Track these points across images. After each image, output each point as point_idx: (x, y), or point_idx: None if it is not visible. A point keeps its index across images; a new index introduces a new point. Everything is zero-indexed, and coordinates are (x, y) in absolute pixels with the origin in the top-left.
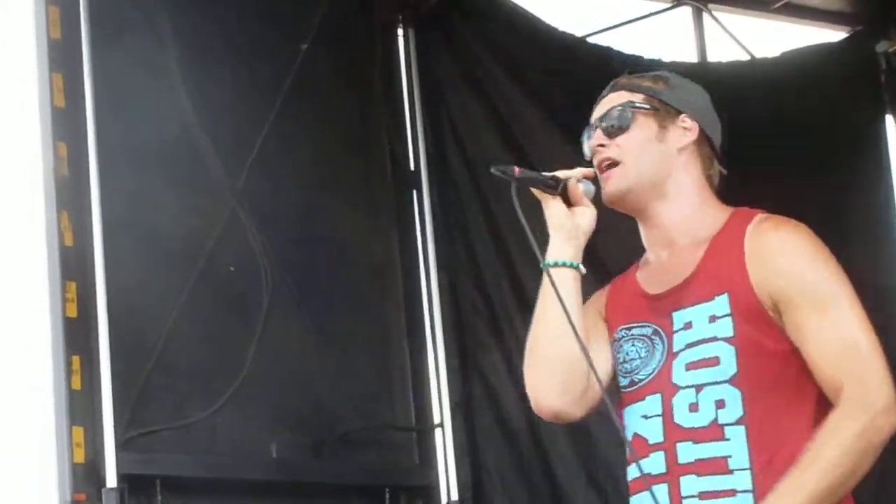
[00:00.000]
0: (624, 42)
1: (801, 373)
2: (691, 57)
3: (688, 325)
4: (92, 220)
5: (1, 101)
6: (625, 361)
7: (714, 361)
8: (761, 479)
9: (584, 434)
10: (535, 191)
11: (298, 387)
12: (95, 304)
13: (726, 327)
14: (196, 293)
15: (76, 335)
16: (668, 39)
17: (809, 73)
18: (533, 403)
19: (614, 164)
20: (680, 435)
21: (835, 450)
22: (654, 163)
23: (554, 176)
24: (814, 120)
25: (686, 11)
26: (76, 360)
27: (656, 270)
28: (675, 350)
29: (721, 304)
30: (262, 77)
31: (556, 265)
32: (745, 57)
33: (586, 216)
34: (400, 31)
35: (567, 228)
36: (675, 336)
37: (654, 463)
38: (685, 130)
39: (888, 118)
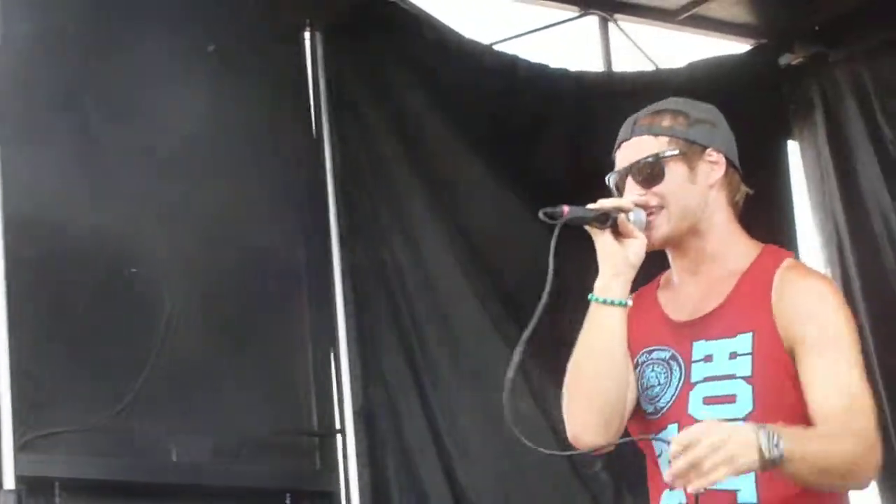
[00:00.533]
0: (530, 50)
1: None
2: (597, 66)
3: (708, 358)
4: None
5: None
6: (648, 388)
7: (731, 399)
8: None
9: (493, 441)
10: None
11: (201, 390)
12: None
13: (745, 366)
14: (100, 293)
15: None
16: (575, 48)
17: (714, 83)
18: (570, 436)
19: (656, 209)
20: None
21: (842, 444)
22: (691, 204)
23: (604, 212)
24: None
25: (592, 21)
26: None
27: (681, 295)
28: (693, 381)
29: (744, 342)
30: (170, 77)
31: (603, 303)
32: (651, 67)
33: (635, 248)
34: (307, 34)
35: (616, 263)
36: (694, 366)
37: (673, 495)
38: (713, 165)
39: (792, 130)
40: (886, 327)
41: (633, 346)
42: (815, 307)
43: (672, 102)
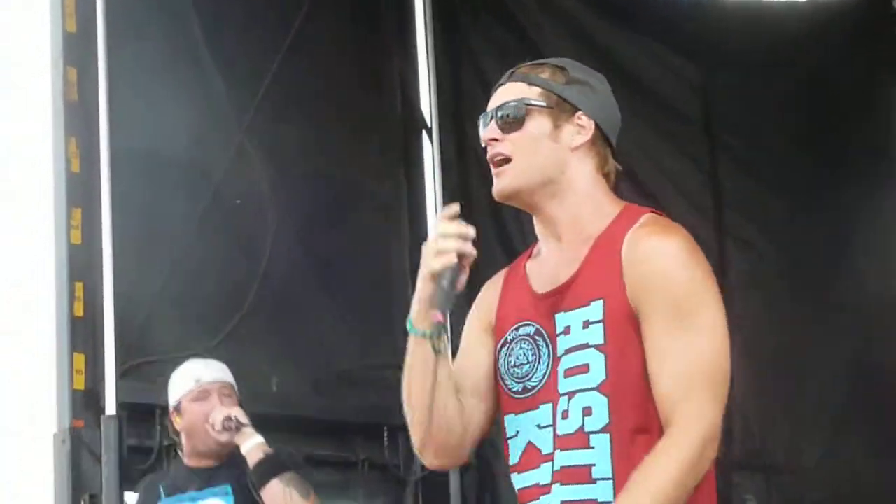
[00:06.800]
0: None
1: None
2: None
3: (567, 330)
4: (100, 148)
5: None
6: (516, 366)
7: (585, 369)
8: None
9: None
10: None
11: (300, 322)
12: (100, 232)
13: (597, 334)
14: (202, 225)
15: (80, 262)
16: None
17: (828, 24)
18: (419, 458)
19: (506, 160)
20: (559, 444)
21: (663, 477)
22: (546, 161)
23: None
24: (823, 71)
25: None
26: (79, 286)
27: (545, 265)
28: (558, 355)
29: (595, 309)
30: (273, 13)
31: (415, 334)
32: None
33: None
34: None
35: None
36: (558, 339)
37: (544, 474)
38: (580, 128)
39: None
40: None
41: (503, 324)
42: (661, 273)
43: (558, 60)
